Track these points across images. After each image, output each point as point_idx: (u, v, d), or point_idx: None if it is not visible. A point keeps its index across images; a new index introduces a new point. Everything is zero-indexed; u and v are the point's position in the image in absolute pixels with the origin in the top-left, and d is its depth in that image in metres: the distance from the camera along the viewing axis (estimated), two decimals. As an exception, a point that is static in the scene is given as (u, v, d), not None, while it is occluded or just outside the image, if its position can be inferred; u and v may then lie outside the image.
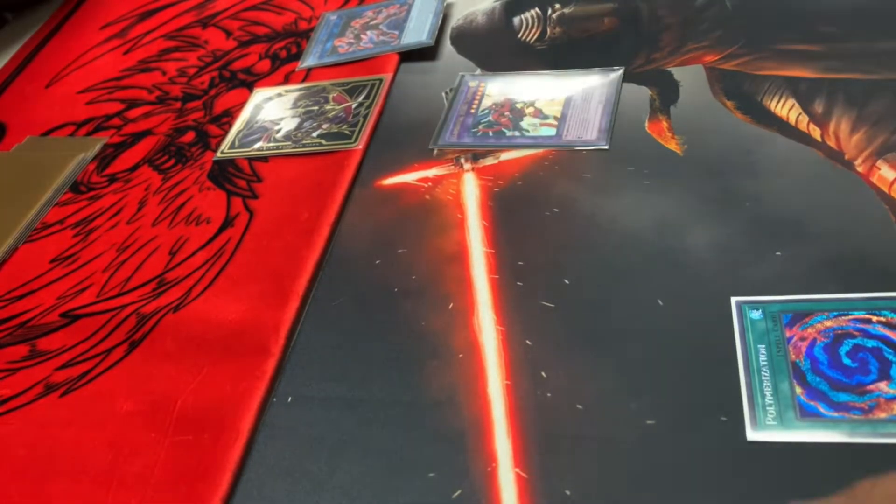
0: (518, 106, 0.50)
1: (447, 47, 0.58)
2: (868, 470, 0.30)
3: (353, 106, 0.53)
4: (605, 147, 0.45)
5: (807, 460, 0.30)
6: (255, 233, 0.46)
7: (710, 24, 0.52)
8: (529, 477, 0.32)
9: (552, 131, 0.47)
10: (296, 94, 0.56)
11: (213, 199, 0.50)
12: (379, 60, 0.57)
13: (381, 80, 0.55)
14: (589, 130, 0.47)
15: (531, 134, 0.47)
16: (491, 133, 0.48)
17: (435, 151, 0.49)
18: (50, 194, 0.53)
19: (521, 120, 0.48)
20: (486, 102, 0.51)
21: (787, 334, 0.34)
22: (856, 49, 0.47)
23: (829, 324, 0.34)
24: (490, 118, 0.49)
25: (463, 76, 0.53)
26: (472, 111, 0.50)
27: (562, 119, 0.48)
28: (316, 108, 0.54)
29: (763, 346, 0.34)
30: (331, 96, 0.55)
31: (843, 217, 0.38)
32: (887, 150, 0.41)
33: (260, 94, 0.57)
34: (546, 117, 0.48)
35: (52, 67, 0.65)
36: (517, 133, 0.48)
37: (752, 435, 0.32)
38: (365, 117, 0.52)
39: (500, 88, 0.51)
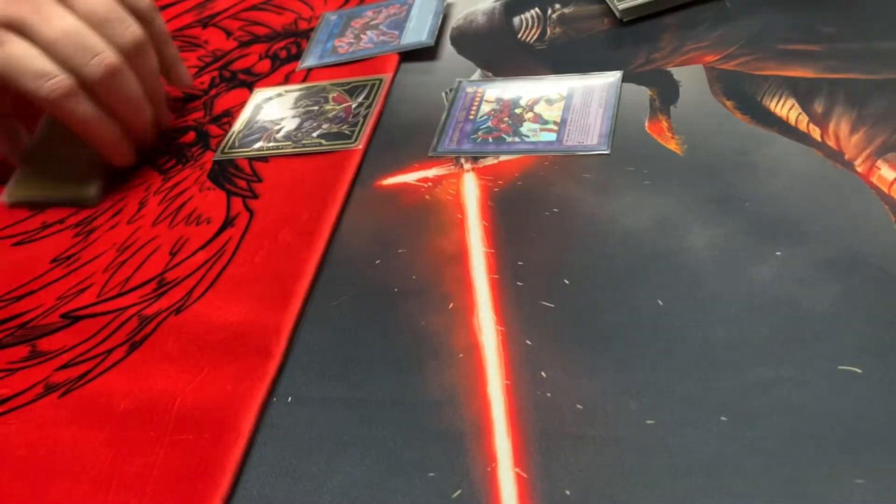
0: (517, 111, 0.50)
1: (447, 47, 0.58)
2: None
3: (353, 106, 0.53)
4: (607, 152, 0.45)
5: (807, 460, 0.30)
6: (255, 233, 0.46)
7: (710, 24, 0.52)
8: (529, 477, 0.32)
9: (552, 136, 0.47)
10: (296, 94, 0.56)
11: (213, 199, 0.50)
12: (379, 60, 0.57)
13: (381, 81, 0.55)
14: (590, 135, 0.47)
15: (531, 139, 0.47)
16: (491, 139, 0.48)
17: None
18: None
19: (521, 125, 0.48)
20: (485, 108, 0.50)
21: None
22: (856, 49, 0.47)
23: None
24: (489, 124, 0.49)
25: (460, 82, 0.53)
26: (471, 117, 0.50)
27: (562, 124, 0.48)
28: (316, 108, 0.54)
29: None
30: (331, 96, 0.55)
31: (843, 217, 0.38)
32: (887, 150, 0.41)
33: (260, 95, 0.57)
34: (546, 122, 0.48)
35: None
36: (517, 139, 0.48)
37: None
38: (365, 117, 0.52)
39: (499, 94, 0.51)
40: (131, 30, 0.50)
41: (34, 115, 0.56)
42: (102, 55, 0.48)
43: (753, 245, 0.38)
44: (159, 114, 0.55)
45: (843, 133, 0.42)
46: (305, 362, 0.39)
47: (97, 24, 0.49)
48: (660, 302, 0.37)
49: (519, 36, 0.56)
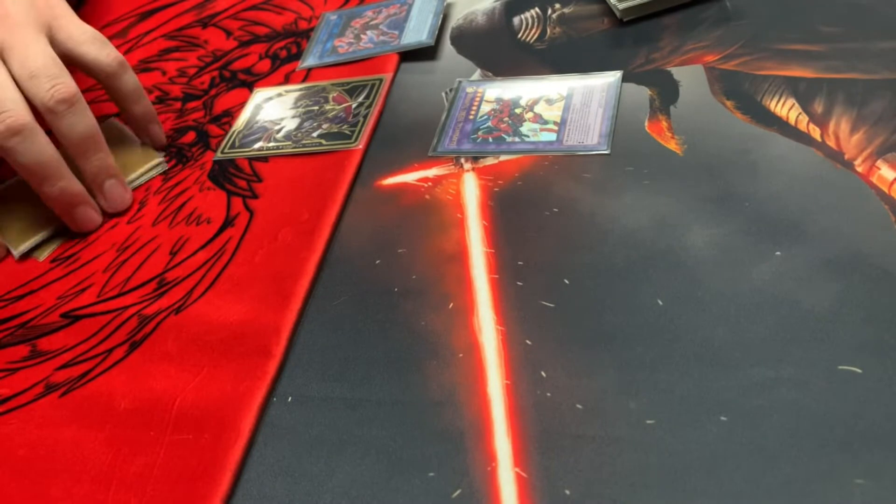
0: (517, 111, 0.50)
1: (447, 47, 0.58)
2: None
3: (353, 106, 0.53)
4: (607, 152, 0.45)
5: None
6: (255, 233, 0.46)
7: (710, 24, 0.52)
8: (529, 477, 0.32)
9: (552, 136, 0.47)
10: (296, 94, 0.56)
11: (213, 199, 0.50)
12: (379, 60, 0.57)
13: (381, 80, 0.55)
14: (589, 135, 0.47)
15: (531, 139, 0.47)
16: (491, 139, 0.48)
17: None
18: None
19: (521, 125, 0.48)
20: (485, 108, 0.50)
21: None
22: (856, 49, 0.47)
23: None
24: (489, 124, 0.49)
25: (460, 82, 0.53)
26: (471, 117, 0.50)
27: (562, 124, 0.48)
28: (316, 108, 0.54)
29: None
30: (331, 96, 0.55)
31: (843, 217, 0.38)
32: (887, 150, 0.41)
33: (260, 94, 0.57)
34: (546, 122, 0.48)
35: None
36: (517, 139, 0.48)
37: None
38: (365, 117, 0.52)
39: (499, 93, 0.51)
40: (56, 87, 0.47)
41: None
42: (5, 114, 0.45)
43: (753, 245, 0.38)
44: (100, 181, 0.50)
45: (843, 133, 0.42)
46: (305, 362, 0.39)
47: (25, 79, 0.46)
48: (660, 302, 0.37)
49: (519, 36, 0.56)
